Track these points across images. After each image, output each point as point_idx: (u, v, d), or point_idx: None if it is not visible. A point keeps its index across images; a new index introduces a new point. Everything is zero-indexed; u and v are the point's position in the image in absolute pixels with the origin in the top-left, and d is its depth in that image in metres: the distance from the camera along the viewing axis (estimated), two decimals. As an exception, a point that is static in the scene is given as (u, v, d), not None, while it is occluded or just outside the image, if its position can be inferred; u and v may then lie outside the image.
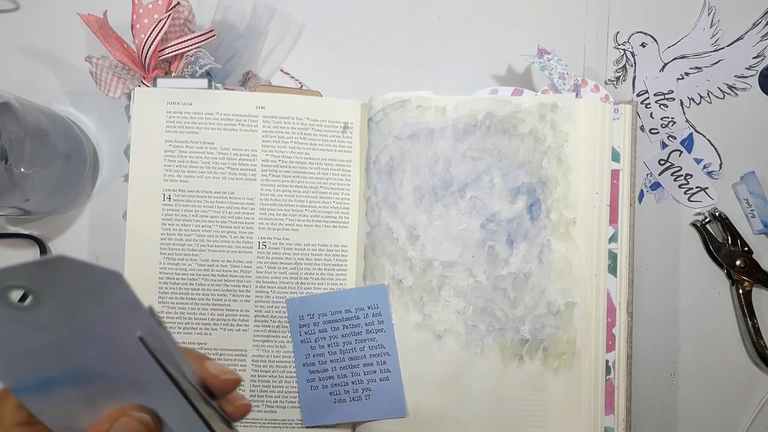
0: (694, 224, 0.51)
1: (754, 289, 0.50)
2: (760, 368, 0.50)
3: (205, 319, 0.46)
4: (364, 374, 0.46)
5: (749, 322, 0.50)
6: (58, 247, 0.53)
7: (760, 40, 0.52)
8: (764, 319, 0.50)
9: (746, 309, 0.50)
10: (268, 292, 0.47)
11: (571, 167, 0.46)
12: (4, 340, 0.22)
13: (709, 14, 0.52)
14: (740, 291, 0.50)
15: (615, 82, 0.52)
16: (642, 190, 0.52)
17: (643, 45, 0.52)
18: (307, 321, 0.46)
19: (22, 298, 0.21)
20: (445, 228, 0.46)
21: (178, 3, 0.47)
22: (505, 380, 0.45)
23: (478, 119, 0.46)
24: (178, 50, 0.47)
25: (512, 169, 0.46)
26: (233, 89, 0.48)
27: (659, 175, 0.51)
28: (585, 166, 0.46)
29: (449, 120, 0.47)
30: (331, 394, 0.46)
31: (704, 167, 0.51)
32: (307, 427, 0.46)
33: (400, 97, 0.47)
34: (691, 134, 0.52)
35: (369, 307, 0.46)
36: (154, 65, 0.47)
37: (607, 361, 0.46)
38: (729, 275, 0.51)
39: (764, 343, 0.49)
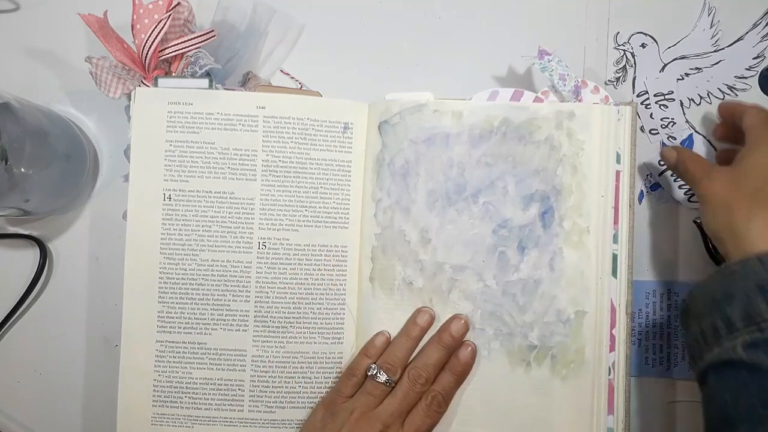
0: (695, 221, 0.51)
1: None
2: None
3: (205, 319, 0.46)
4: None
5: None
6: (58, 247, 0.53)
7: (760, 41, 0.52)
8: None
9: None
10: (267, 293, 0.47)
11: (585, 176, 0.45)
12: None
13: (709, 15, 0.52)
14: None
15: (615, 83, 0.52)
16: (642, 191, 0.52)
17: (643, 46, 0.52)
18: None
19: None
20: (457, 232, 0.46)
21: (179, 3, 0.47)
22: (511, 384, 0.46)
23: (495, 125, 0.46)
24: (178, 50, 0.47)
25: (526, 176, 0.46)
26: (233, 89, 0.48)
27: (659, 175, 0.52)
28: (597, 173, 0.46)
29: (465, 125, 0.47)
30: None
31: (704, 168, 0.51)
32: None
33: (417, 101, 0.47)
34: (691, 135, 0.52)
35: None
36: (154, 65, 0.47)
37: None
38: (725, 275, 0.51)
39: None
